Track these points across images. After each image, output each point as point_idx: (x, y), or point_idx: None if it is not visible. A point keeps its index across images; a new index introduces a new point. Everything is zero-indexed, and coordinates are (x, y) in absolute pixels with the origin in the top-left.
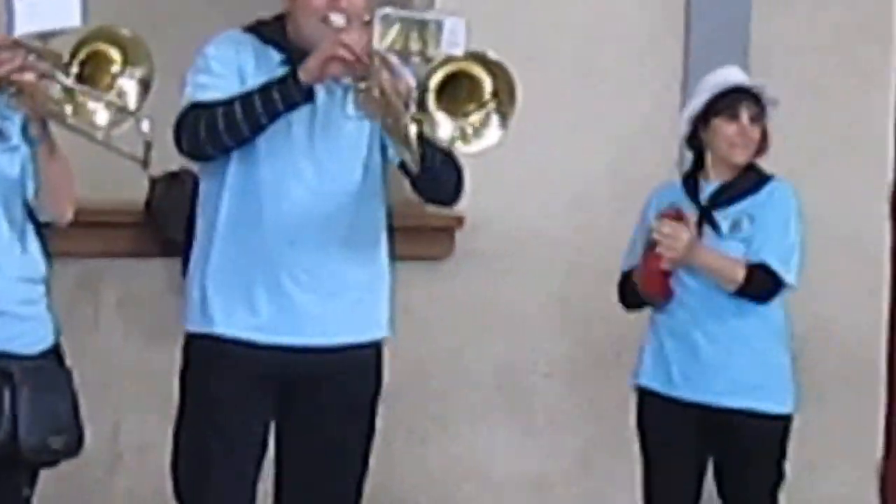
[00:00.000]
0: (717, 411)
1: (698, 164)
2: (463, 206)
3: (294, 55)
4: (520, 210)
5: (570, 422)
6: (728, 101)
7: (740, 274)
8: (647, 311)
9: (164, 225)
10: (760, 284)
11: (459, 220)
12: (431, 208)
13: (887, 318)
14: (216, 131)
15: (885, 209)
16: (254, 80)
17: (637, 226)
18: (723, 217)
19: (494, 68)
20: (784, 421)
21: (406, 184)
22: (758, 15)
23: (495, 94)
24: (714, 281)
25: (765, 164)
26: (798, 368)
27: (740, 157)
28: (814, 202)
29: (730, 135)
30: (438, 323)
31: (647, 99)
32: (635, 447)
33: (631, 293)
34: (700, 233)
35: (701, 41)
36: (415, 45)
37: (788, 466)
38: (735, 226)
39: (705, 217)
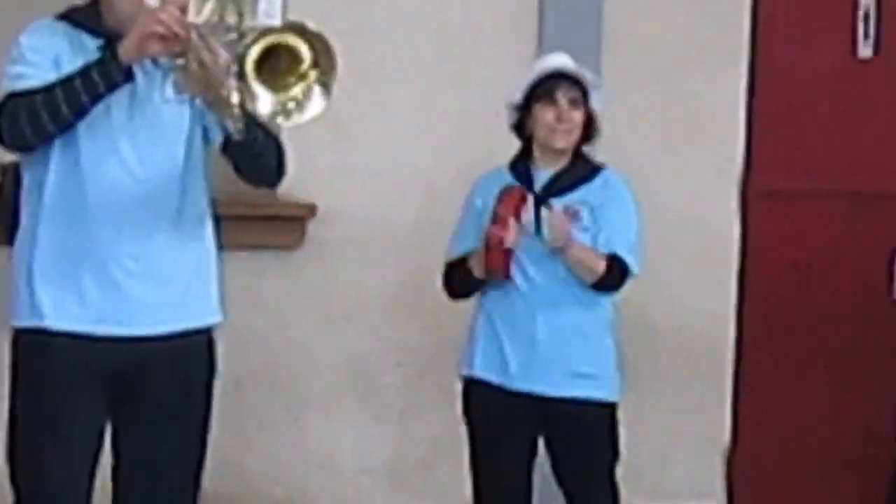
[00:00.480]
0: (552, 401)
1: (526, 152)
2: (315, 195)
3: (110, 39)
4: (371, 199)
5: (420, 411)
6: (546, 86)
7: (602, 265)
8: None
9: None
10: (617, 275)
11: (311, 210)
12: (284, 197)
13: (735, 307)
14: (37, 118)
15: (735, 199)
16: (70, 67)
17: (463, 213)
18: (560, 205)
19: (313, 39)
20: (613, 408)
21: None
22: (610, 4)
23: (315, 64)
24: (577, 271)
25: (616, 153)
26: (624, 356)
27: (560, 143)
28: (664, 191)
29: (548, 120)
30: (290, 312)
31: (500, 88)
32: None
33: (461, 282)
34: (538, 222)
35: (554, 30)
36: (231, 18)
37: (637, 454)
38: (574, 215)
39: (542, 205)
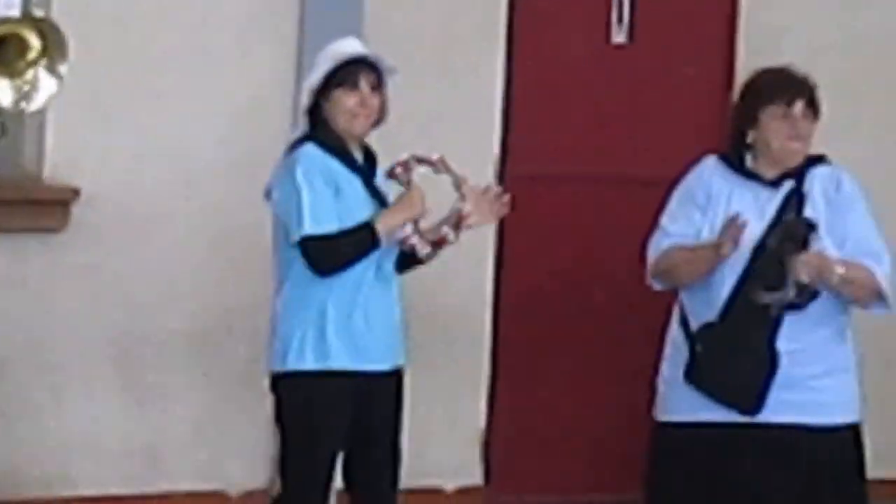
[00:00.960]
0: (372, 376)
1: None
2: (78, 178)
3: None
4: (135, 183)
5: (183, 392)
6: (347, 71)
7: None
8: (252, 287)
9: None
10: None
11: (75, 193)
12: (48, 181)
13: (492, 290)
14: None
15: (491, 179)
16: None
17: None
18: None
19: (44, 27)
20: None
21: (20, 157)
22: None
23: (45, 50)
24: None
25: (379, 136)
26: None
27: (360, 128)
28: (422, 176)
29: (350, 105)
30: (54, 295)
31: (262, 72)
32: (245, 417)
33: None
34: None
35: (316, 13)
36: None
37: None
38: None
39: (371, 185)
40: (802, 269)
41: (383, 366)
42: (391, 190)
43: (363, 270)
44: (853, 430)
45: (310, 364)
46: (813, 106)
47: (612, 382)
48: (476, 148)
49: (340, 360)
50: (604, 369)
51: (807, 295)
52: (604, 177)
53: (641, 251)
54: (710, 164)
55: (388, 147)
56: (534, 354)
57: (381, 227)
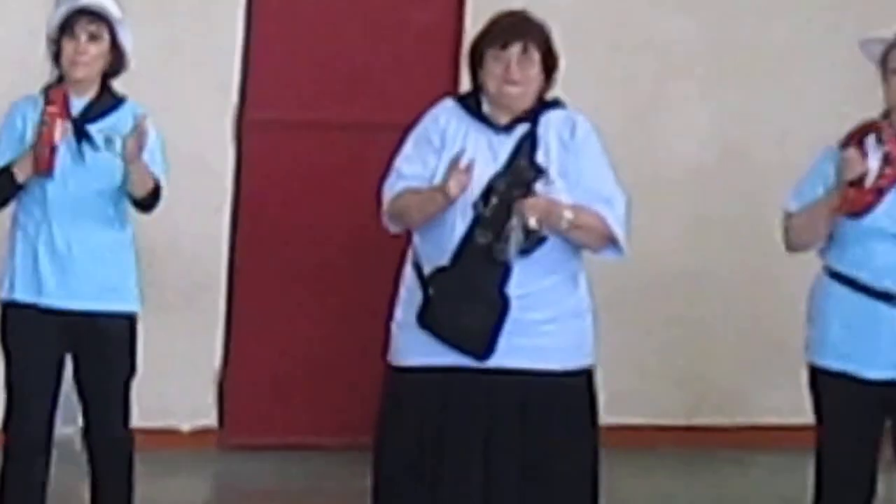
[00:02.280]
0: (84, 315)
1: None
2: None
3: None
4: None
5: None
6: (69, 20)
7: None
8: None
9: None
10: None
11: None
12: None
13: (228, 233)
14: None
15: (230, 130)
16: None
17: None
18: (96, 130)
19: None
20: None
21: None
22: None
23: None
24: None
25: (125, 86)
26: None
27: (79, 74)
28: (162, 122)
29: (68, 53)
30: None
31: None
32: None
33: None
34: (80, 148)
35: None
36: None
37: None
38: (108, 141)
39: (80, 130)
40: (529, 213)
41: (95, 305)
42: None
43: (76, 207)
44: (586, 376)
45: (19, 295)
46: (539, 51)
47: (350, 326)
48: (215, 94)
49: (49, 297)
50: (341, 313)
51: (534, 239)
52: (342, 122)
53: (378, 195)
54: (447, 106)
55: (126, 93)
56: (271, 298)
57: (17, 171)
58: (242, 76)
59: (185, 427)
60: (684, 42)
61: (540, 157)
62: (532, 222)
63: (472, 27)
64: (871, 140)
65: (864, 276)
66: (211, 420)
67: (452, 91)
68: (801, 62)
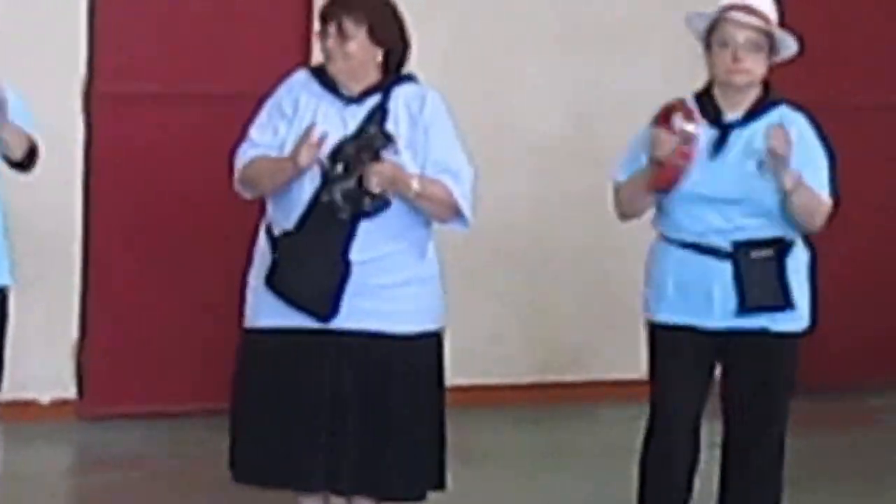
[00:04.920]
0: None
1: None
2: None
3: None
4: None
5: None
6: None
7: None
8: None
9: None
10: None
11: None
12: None
13: (81, 207)
14: None
15: (78, 103)
16: None
17: None
18: None
19: None
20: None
21: None
22: None
23: None
24: None
25: None
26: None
27: None
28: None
29: None
30: None
31: None
32: None
33: None
34: None
35: None
36: None
37: None
38: None
39: None
40: (374, 178)
41: None
42: None
43: None
44: (433, 339)
45: None
46: (364, 25)
47: (206, 294)
48: (61, 67)
49: None
50: (196, 281)
51: (379, 204)
52: (191, 93)
53: (230, 164)
54: (301, 77)
55: None
56: (126, 269)
57: None
58: (90, 49)
59: (45, 399)
60: (534, 15)
61: (389, 128)
62: (376, 187)
63: None
64: (678, 118)
65: (692, 237)
66: (70, 391)
67: (302, 61)
68: (644, 35)
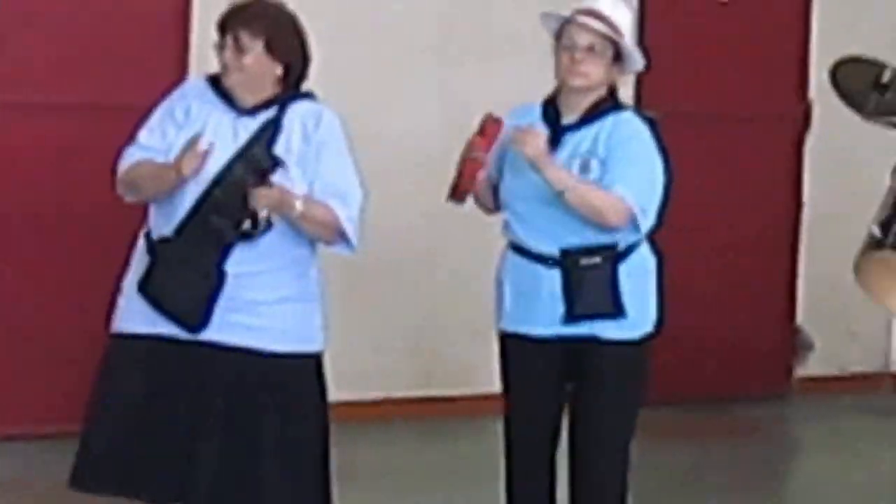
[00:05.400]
0: None
1: None
2: None
3: None
4: None
5: None
6: None
7: None
8: None
9: None
10: None
11: None
12: None
13: None
14: None
15: None
16: None
17: None
18: None
19: None
20: None
21: None
22: None
23: None
24: None
25: None
26: None
27: None
28: None
29: None
30: None
31: None
32: None
33: None
34: None
35: None
36: None
37: None
38: None
39: None
40: (260, 201)
41: None
42: None
43: None
44: (310, 360)
45: None
46: (261, 39)
47: (87, 312)
48: None
49: None
50: (79, 299)
51: (262, 225)
52: (73, 104)
53: (113, 175)
54: (197, 84)
55: None
56: (5, 283)
57: None
58: None
59: None
60: (412, 28)
61: (280, 145)
62: (262, 210)
63: (202, 12)
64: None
65: (523, 243)
66: None
67: (181, 73)
68: (522, 47)
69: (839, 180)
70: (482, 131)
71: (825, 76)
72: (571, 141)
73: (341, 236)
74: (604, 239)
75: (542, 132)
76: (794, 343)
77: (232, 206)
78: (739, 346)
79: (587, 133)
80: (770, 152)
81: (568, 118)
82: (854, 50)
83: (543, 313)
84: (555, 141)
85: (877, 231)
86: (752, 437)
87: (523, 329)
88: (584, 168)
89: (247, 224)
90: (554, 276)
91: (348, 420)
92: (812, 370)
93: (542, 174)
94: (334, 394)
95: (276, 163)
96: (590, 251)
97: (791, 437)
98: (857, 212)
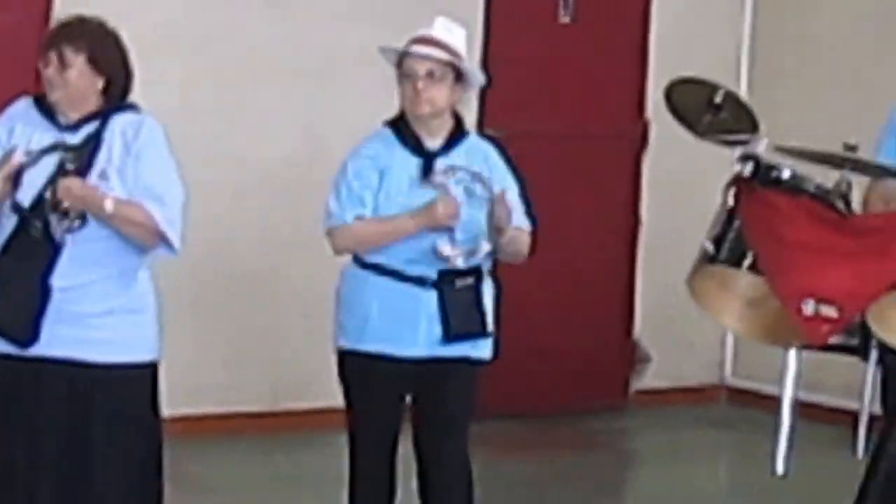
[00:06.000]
0: None
1: None
2: None
3: None
4: None
5: None
6: None
7: None
8: None
9: None
10: None
11: None
12: None
13: None
14: None
15: None
16: None
17: None
18: None
19: None
20: None
21: None
22: None
23: None
24: None
25: None
26: None
27: None
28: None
29: None
30: None
31: None
32: None
33: None
34: None
35: None
36: None
37: None
38: None
39: None
40: (64, 193)
41: None
42: None
43: None
44: (143, 370)
45: None
46: (84, 54)
47: None
48: None
49: None
50: None
51: (73, 217)
52: None
53: None
54: (21, 105)
55: None
56: None
57: None
58: None
59: None
60: (267, 45)
61: (102, 157)
62: (66, 202)
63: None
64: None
65: (397, 265)
66: None
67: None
68: (373, 66)
69: (675, 197)
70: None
71: (661, 96)
72: (445, 165)
73: (162, 239)
74: (473, 261)
75: (453, 200)
76: (631, 356)
77: (45, 206)
78: (579, 359)
79: (455, 157)
80: (609, 170)
81: (431, 143)
82: (690, 71)
83: (420, 335)
84: (427, 168)
85: (709, 246)
86: (592, 449)
87: (391, 350)
88: (469, 192)
89: (54, 218)
90: (431, 298)
91: (196, 434)
92: (650, 383)
93: (500, 233)
94: (183, 408)
95: (74, 152)
96: (463, 273)
97: (629, 448)
98: (692, 228)
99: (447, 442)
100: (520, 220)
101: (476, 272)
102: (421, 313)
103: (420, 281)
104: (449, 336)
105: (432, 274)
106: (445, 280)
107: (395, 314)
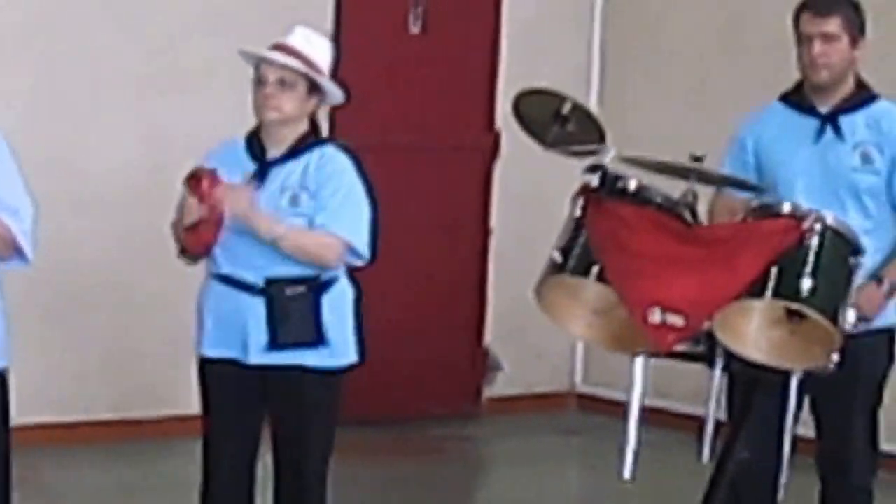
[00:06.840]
0: None
1: None
2: None
3: None
4: None
5: None
6: None
7: None
8: None
9: None
10: None
11: None
12: None
13: None
14: None
15: None
16: None
17: None
18: None
19: None
20: None
21: None
22: None
23: None
24: None
25: None
26: None
27: None
28: None
29: None
30: None
31: None
32: None
33: None
34: None
35: None
36: None
37: None
38: None
39: None
40: None
41: None
42: None
43: None
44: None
45: None
46: None
47: None
48: None
49: None
50: None
51: None
52: None
53: None
54: None
55: None
56: None
57: None
58: None
59: None
60: (116, 57)
61: None
62: None
63: None
64: (205, 183)
65: (226, 271)
66: None
67: None
68: (218, 79)
69: (526, 208)
70: (195, 190)
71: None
72: (279, 175)
73: (16, 250)
74: (308, 270)
75: (246, 189)
76: (483, 364)
77: None
78: (431, 367)
79: (294, 167)
80: (460, 181)
81: (273, 152)
82: (540, 82)
83: (248, 341)
84: (262, 175)
85: (557, 256)
86: (443, 455)
87: (226, 355)
88: (294, 202)
89: None
90: (258, 305)
91: (44, 442)
92: (501, 390)
93: (253, 229)
94: (36, 417)
95: None
96: (294, 281)
97: (480, 455)
98: (542, 238)
99: (295, 450)
100: (338, 228)
101: (311, 280)
102: (250, 320)
103: (247, 287)
104: (276, 344)
105: (259, 281)
106: (274, 287)
107: (227, 320)
